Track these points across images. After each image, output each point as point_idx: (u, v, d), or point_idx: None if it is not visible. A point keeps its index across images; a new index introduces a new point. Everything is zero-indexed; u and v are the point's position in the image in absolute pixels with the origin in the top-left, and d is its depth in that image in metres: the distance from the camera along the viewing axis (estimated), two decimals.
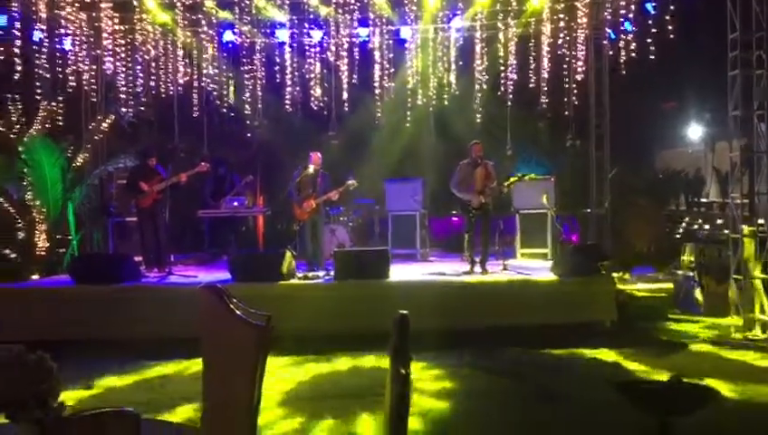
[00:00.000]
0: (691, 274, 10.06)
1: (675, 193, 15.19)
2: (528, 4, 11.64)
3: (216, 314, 3.38)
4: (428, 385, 6.55)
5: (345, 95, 12.68)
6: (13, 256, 11.46)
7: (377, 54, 12.58)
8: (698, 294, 9.76)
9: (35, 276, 10.61)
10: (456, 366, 7.26)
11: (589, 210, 12.81)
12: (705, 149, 15.02)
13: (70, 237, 11.85)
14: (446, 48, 12.77)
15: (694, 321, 9.18)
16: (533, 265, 10.41)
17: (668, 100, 14.99)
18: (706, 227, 12.10)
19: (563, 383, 6.77)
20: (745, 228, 8.56)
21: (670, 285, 10.24)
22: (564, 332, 8.31)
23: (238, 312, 3.40)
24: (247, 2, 11.44)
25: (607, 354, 7.63)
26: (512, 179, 10.15)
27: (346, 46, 12.55)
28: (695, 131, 15.45)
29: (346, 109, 12.91)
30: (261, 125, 13.55)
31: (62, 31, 11.56)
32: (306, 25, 12.36)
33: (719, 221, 11.94)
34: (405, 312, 2.53)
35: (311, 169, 9.91)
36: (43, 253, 11.55)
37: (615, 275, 9.78)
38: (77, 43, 11.81)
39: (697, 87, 13.85)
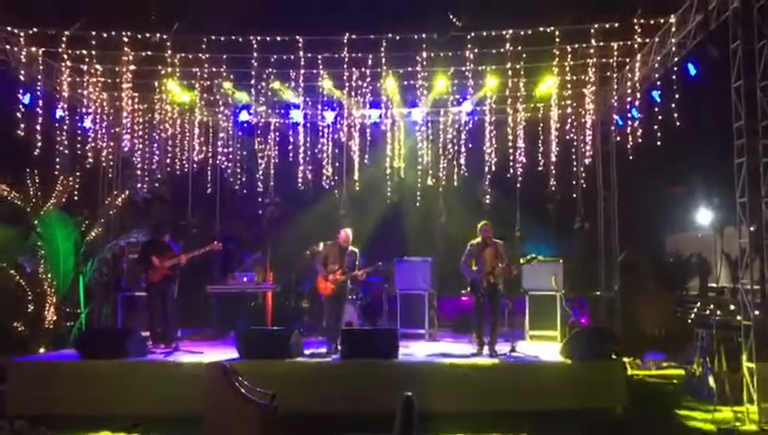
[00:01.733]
0: (703, 360, 9.89)
1: (684, 277, 15.10)
2: (536, 90, 11.95)
3: (220, 391, 3.38)
4: None
5: (356, 174, 12.92)
6: (21, 328, 11.48)
7: (388, 135, 12.88)
8: (711, 381, 9.58)
9: (42, 350, 10.59)
10: None
11: (598, 293, 12.74)
12: (714, 234, 14.99)
13: (78, 311, 11.88)
14: (456, 130, 13.07)
15: (707, 409, 8.95)
16: (543, 348, 10.29)
17: (676, 184, 15.09)
18: (718, 312, 11.97)
19: None
20: (758, 315, 8.47)
21: (682, 371, 10.05)
22: (574, 417, 8.13)
23: (243, 390, 3.40)
24: (264, 84, 11.80)
25: None
26: (521, 261, 10.16)
27: (358, 127, 12.88)
28: (704, 216, 15.47)
29: (357, 188, 13.13)
30: (273, 202, 13.73)
31: (84, 109, 11.92)
32: (319, 107, 12.72)
33: (731, 307, 11.81)
34: (410, 393, 2.53)
35: (340, 245, 9.90)
36: (51, 326, 11.56)
37: (626, 359, 9.64)
38: (97, 120, 12.17)
39: (705, 172, 13.96)
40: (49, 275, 11.65)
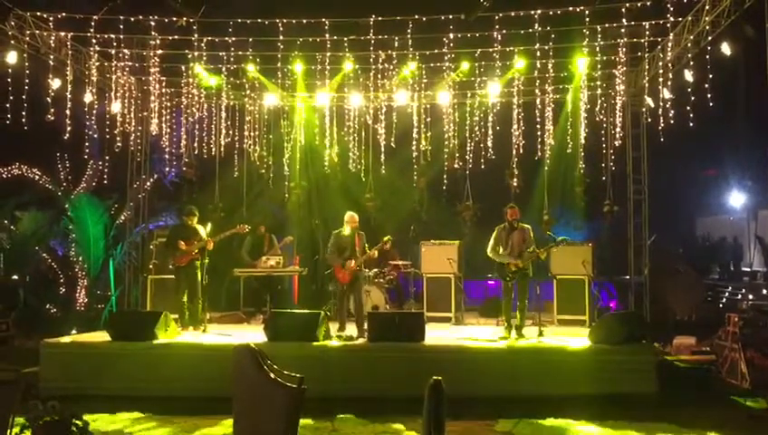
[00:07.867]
0: (735, 345, 9.74)
1: (716, 261, 14.87)
2: (567, 71, 11.75)
3: (248, 373, 3.38)
4: None
5: (383, 158, 12.87)
6: (53, 311, 11.69)
7: (414, 119, 12.79)
8: (743, 366, 9.44)
9: (74, 331, 10.77)
10: None
11: (627, 277, 12.59)
12: (747, 217, 14.73)
13: (109, 293, 12.03)
14: (483, 113, 12.92)
15: (738, 394, 8.83)
16: (571, 332, 10.20)
17: (708, 167, 14.85)
18: (751, 296, 11.78)
19: None
20: None
21: (713, 356, 9.91)
22: (603, 402, 8.05)
23: (271, 373, 3.40)
24: (289, 67, 11.76)
25: (648, 428, 7.35)
26: (549, 245, 10.06)
27: (384, 110, 12.81)
28: (736, 199, 15.20)
29: (383, 171, 13.08)
30: (298, 186, 13.73)
31: (112, 94, 11.99)
32: (346, 90, 12.66)
33: (765, 292, 11.62)
34: (439, 378, 2.50)
35: (347, 230, 9.88)
36: (82, 308, 11.75)
37: (656, 344, 9.52)
38: (125, 105, 12.23)
39: (739, 155, 13.70)
40: (80, 259, 11.82)
